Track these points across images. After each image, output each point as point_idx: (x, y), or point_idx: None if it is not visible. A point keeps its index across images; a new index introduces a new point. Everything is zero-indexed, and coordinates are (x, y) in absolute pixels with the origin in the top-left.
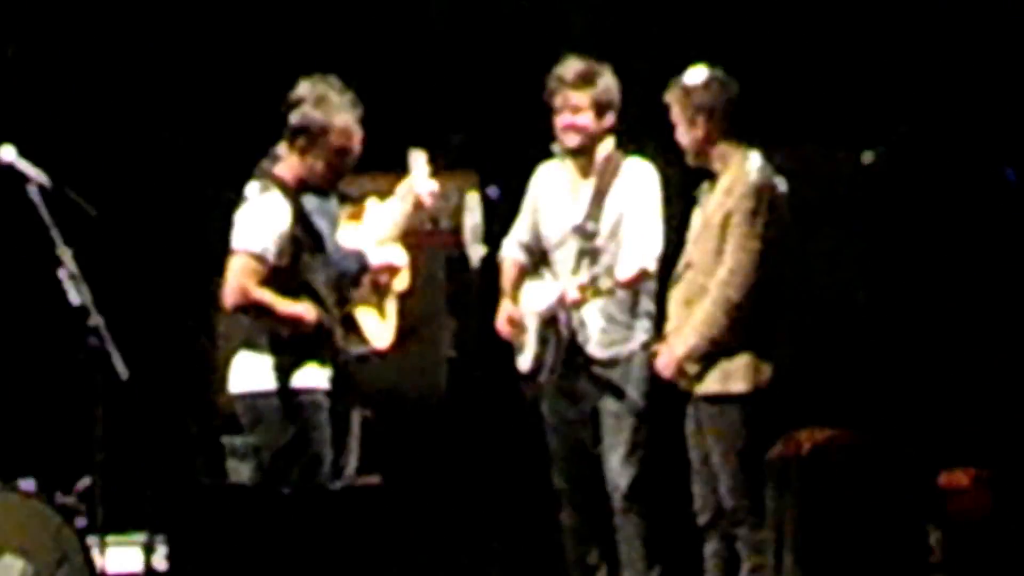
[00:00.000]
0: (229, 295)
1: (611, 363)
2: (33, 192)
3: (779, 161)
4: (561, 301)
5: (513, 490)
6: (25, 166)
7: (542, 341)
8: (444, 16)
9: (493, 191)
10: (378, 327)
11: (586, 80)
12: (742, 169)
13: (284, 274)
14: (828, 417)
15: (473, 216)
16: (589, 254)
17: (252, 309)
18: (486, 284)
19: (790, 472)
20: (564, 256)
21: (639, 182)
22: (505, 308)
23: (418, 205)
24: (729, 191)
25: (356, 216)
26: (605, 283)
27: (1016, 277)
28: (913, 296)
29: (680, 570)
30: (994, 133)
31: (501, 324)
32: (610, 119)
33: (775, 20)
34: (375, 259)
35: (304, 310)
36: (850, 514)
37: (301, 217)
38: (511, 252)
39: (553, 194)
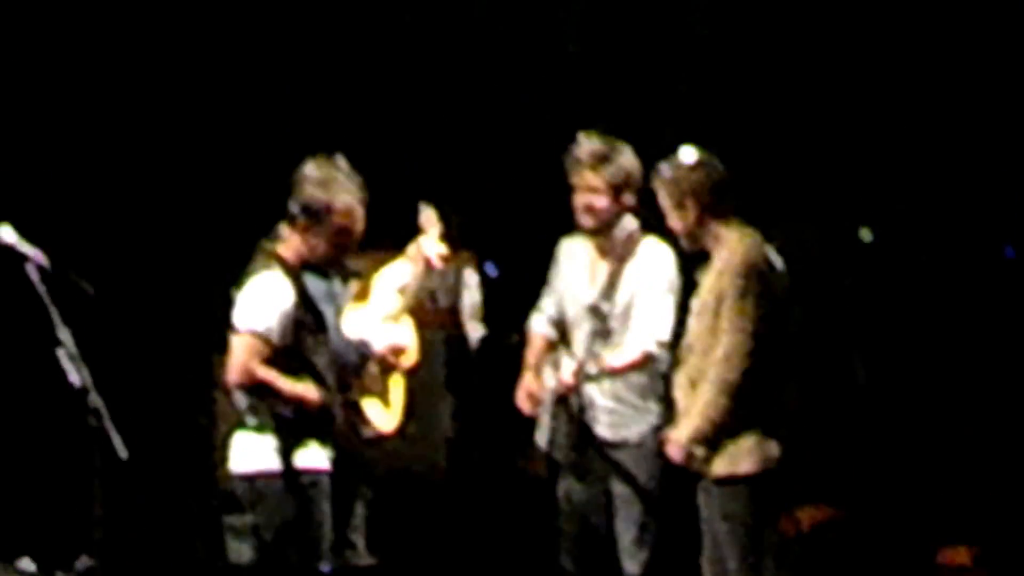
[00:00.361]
0: (233, 374)
1: (621, 445)
2: (32, 272)
3: (776, 240)
4: (562, 388)
5: (514, 570)
6: (23, 245)
7: (554, 418)
8: (443, 97)
9: (491, 269)
10: (382, 413)
11: (602, 160)
12: (733, 249)
13: (286, 354)
14: (827, 495)
15: (471, 295)
16: (601, 335)
17: (256, 388)
18: (485, 363)
19: (790, 551)
20: (580, 335)
21: (651, 264)
22: (525, 382)
23: (428, 266)
24: (721, 272)
25: (362, 296)
26: (591, 369)
27: (1015, 354)
28: (912, 374)
29: None
30: (993, 210)
31: (520, 398)
32: (629, 199)
33: (773, 96)
34: (380, 342)
35: (307, 390)
36: None
37: (303, 297)
38: (539, 327)
39: (572, 271)
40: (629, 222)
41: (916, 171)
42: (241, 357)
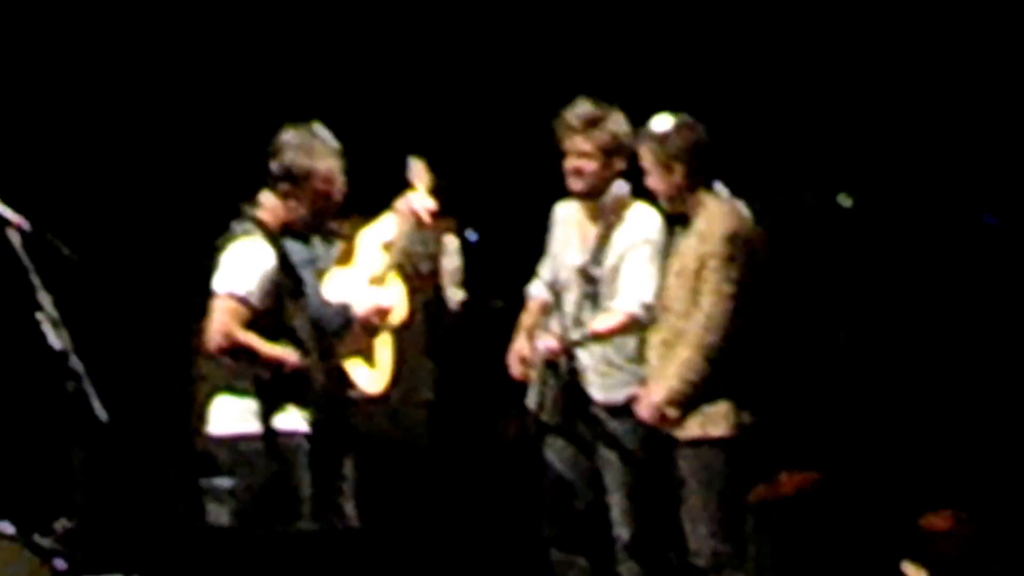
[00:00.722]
0: (213, 338)
1: (609, 409)
2: (13, 236)
3: (756, 205)
4: (549, 352)
5: (494, 535)
6: (4, 210)
7: (543, 381)
8: (422, 63)
9: (472, 235)
10: (368, 375)
11: (592, 125)
12: (715, 213)
13: (266, 318)
14: (809, 460)
15: (452, 260)
16: (591, 297)
17: (236, 352)
18: (465, 328)
19: (772, 515)
20: (570, 298)
21: (638, 227)
22: (516, 346)
23: (418, 223)
24: (704, 236)
25: (347, 257)
26: (575, 335)
27: (994, 320)
28: (894, 338)
29: None
30: (974, 177)
31: (511, 361)
32: (619, 163)
33: (752, 63)
34: (363, 304)
35: (286, 353)
36: (832, 557)
37: (284, 261)
38: (538, 291)
39: (564, 236)
40: (619, 187)
41: (896, 137)
42: (222, 320)
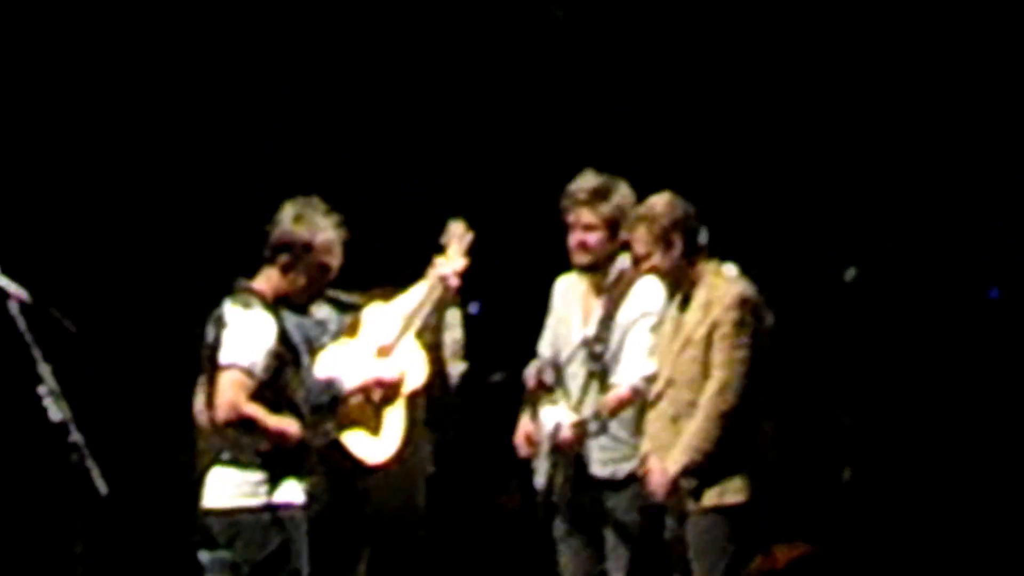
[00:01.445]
0: (221, 409)
1: (611, 483)
2: (13, 308)
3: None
4: (556, 437)
5: None
6: (4, 282)
7: (553, 462)
8: (424, 137)
9: (474, 307)
10: (370, 444)
11: (598, 197)
12: (719, 282)
13: (268, 389)
14: (804, 531)
15: (453, 332)
16: (598, 376)
17: (242, 424)
18: (466, 401)
19: None
20: (574, 376)
21: (642, 302)
22: (523, 425)
23: (445, 287)
24: (707, 305)
25: (351, 331)
26: (594, 427)
27: (997, 395)
28: (895, 412)
29: None
30: (978, 251)
31: (518, 441)
32: (625, 235)
33: (759, 136)
34: (358, 377)
35: (288, 424)
36: None
37: (284, 332)
38: (536, 371)
39: (566, 311)
40: (624, 260)
41: (901, 211)
42: (228, 393)
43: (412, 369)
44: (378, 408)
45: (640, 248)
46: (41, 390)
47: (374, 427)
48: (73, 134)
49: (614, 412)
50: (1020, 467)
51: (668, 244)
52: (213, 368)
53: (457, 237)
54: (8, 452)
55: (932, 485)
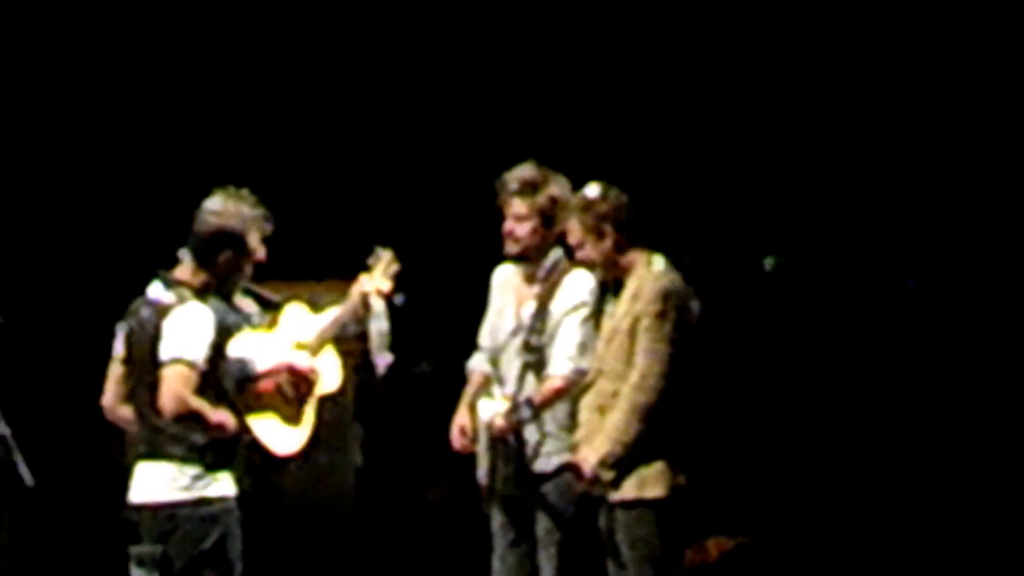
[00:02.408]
0: (168, 404)
1: (544, 476)
2: None
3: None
4: (490, 428)
5: None
6: None
7: (493, 455)
8: (356, 126)
9: (399, 298)
10: (278, 432)
11: (530, 188)
12: (647, 273)
13: (206, 381)
14: (735, 524)
15: (379, 323)
16: (534, 367)
17: (189, 418)
18: (392, 391)
19: None
20: (509, 365)
21: (572, 295)
22: (458, 419)
23: (366, 305)
24: (635, 296)
25: (271, 325)
26: (525, 413)
27: (916, 382)
28: (816, 401)
29: None
30: (895, 240)
31: (453, 435)
32: (557, 228)
33: (679, 125)
34: (272, 361)
35: (228, 418)
36: None
37: (220, 323)
38: (478, 364)
39: (502, 300)
40: (558, 251)
41: (819, 199)
42: (174, 387)
43: (327, 373)
44: (289, 402)
45: (573, 238)
46: None
47: (285, 418)
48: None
49: (546, 403)
50: (943, 452)
51: (600, 234)
52: (152, 361)
53: (384, 263)
54: None
55: (858, 473)
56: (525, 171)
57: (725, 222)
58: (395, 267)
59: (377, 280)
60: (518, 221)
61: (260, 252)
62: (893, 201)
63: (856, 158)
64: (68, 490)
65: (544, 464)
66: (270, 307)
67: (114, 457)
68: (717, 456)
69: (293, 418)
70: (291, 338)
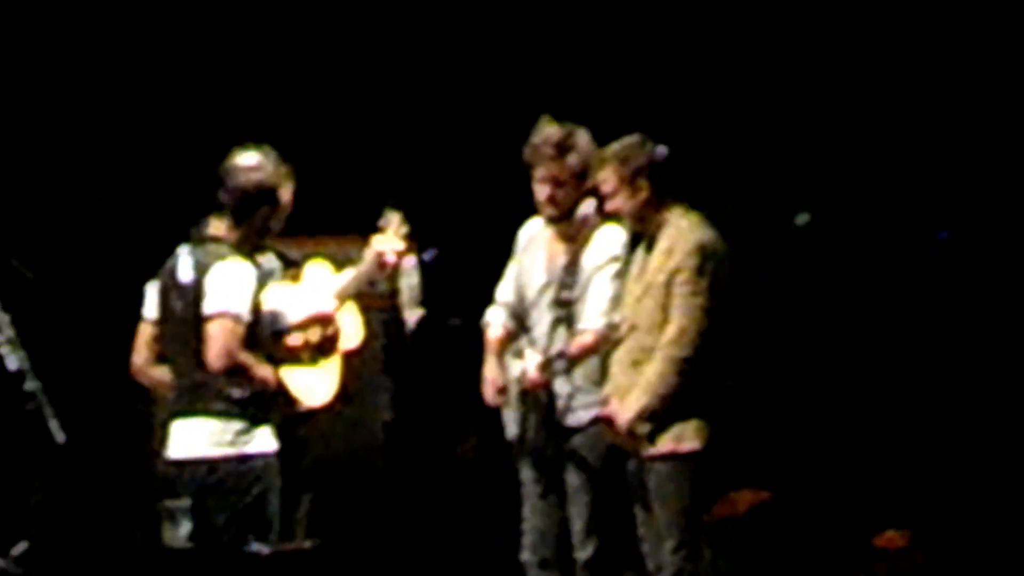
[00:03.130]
0: (217, 359)
1: (575, 431)
2: None
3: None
4: (521, 381)
5: (448, 552)
6: None
7: (524, 410)
8: (382, 80)
9: (429, 254)
10: (310, 383)
11: (565, 150)
12: (682, 228)
13: (249, 335)
14: (763, 477)
15: (410, 279)
16: (564, 321)
17: (236, 372)
18: (423, 347)
19: (726, 534)
20: (538, 321)
21: (603, 249)
22: (489, 374)
23: (381, 264)
24: (670, 251)
25: (295, 278)
26: (559, 366)
27: (949, 337)
28: (847, 356)
29: None
30: (928, 194)
31: (486, 390)
32: (589, 183)
33: (712, 80)
34: (299, 313)
35: (270, 372)
36: (786, 574)
37: (260, 276)
38: (496, 318)
39: (531, 256)
40: (588, 206)
41: (853, 154)
42: (223, 341)
43: (348, 330)
44: (315, 357)
45: (606, 187)
46: None
47: (313, 370)
48: (27, 87)
49: (579, 358)
50: (976, 408)
51: (635, 187)
52: (195, 318)
53: (395, 225)
54: None
55: (888, 429)
56: (553, 133)
57: (758, 177)
58: (404, 228)
59: (390, 240)
60: (556, 186)
61: (286, 208)
62: (927, 155)
63: (890, 112)
64: (99, 446)
65: (575, 418)
66: (291, 265)
67: (142, 415)
68: (746, 410)
69: (321, 370)
70: (315, 290)
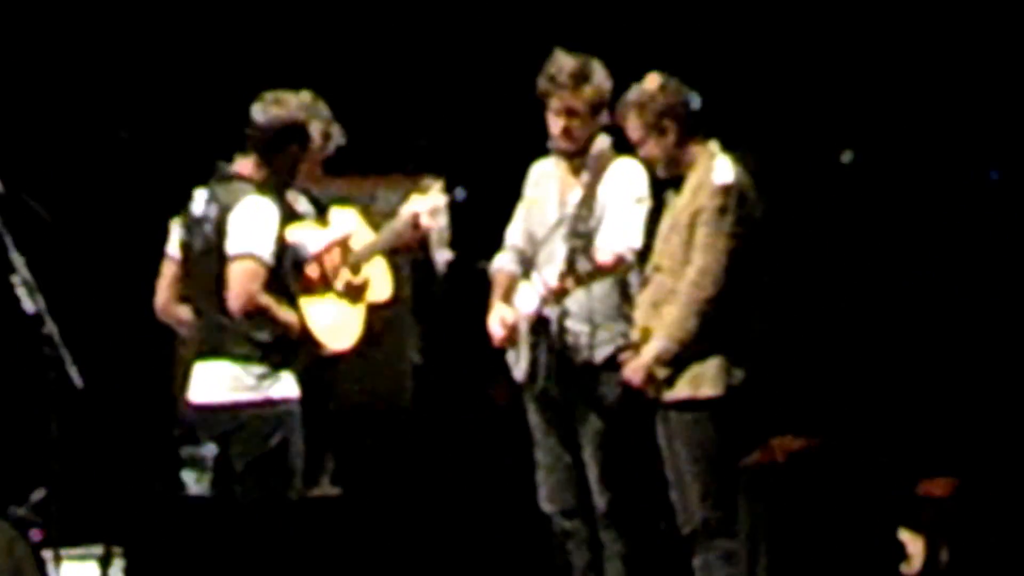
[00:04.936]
0: (238, 301)
1: (591, 369)
2: None
3: (755, 162)
4: (546, 293)
5: (479, 499)
6: None
7: (533, 347)
8: (409, 20)
9: (459, 194)
10: (335, 327)
11: (580, 80)
12: (709, 167)
13: (273, 276)
14: (804, 424)
15: (439, 220)
16: (582, 251)
17: (257, 314)
18: (452, 289)
19: (765, 481)
20: (552, 259)
21: (623, 180)
22: (499, 314)
23: (415, 225)
24: (696, 190)
25: (323, 222)
26: (584, 266)
27: (997, 280)
28: (892, 299)
29: None
30: (978, 133)
31: (494, 328)
32: (604, 117)
33: (753, 18)
34: (322, 242)
35: (293, 316)
36: (826, 523)
37: (284, 216)
38: (505, 263)
39: (543, 194)
40: (603, 141)
41: (900, 92)
42: (244, 283)
43: (378, 282)
44: (338, 292)
45: (633, 134)
46: (14, 280)
47: (338, 303)
48: (45, 23)
49: (596, 275)
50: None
51: (661, 131)
52: (218, 257)
53: (434, 190)
54: None
55: (933, 372)
56: (567, 62)
57: (803, 115)
58: (443, 198)
59: (428, 202)
60: (571, 117)
61: (317, 143)
62: (976, 93)
63: (938, 49)
64: (117, 391)
65: (591, 355)
66: (323, 211)
67: (166, 357)
68: (786, 354)
69: (346, 315)
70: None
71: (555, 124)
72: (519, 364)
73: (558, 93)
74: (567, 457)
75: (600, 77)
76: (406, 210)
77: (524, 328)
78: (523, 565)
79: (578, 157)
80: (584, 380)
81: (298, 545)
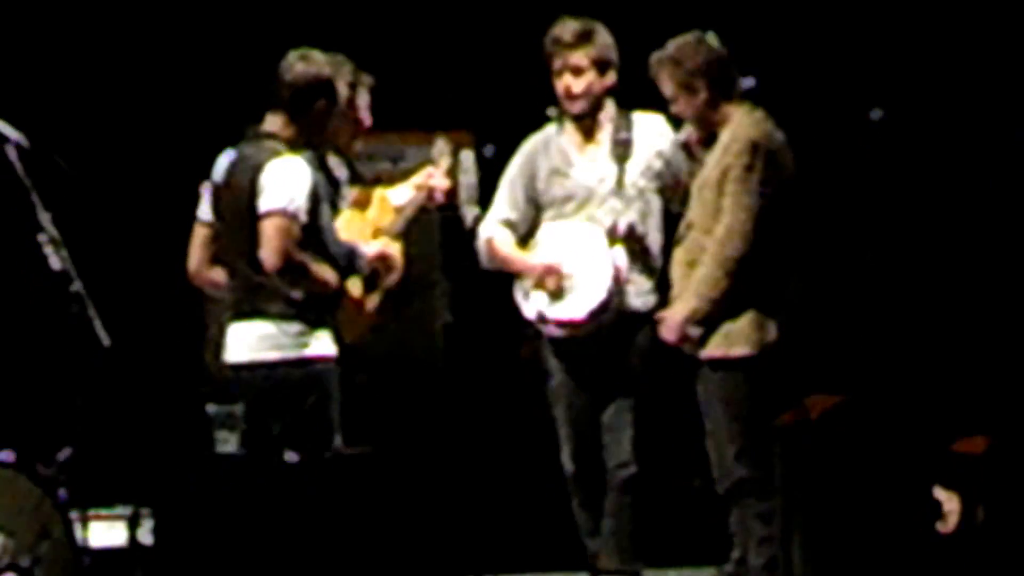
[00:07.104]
0: (272, 257)
1: (632, 316)
2: (11, 153)
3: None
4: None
5: (509, 457)
6: (3, 126)
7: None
8: None
9: (489, 150)
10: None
11: (585, 39)
12: (741, 124)
13: (307, 235)
14: (837, 383)
15: (468, 176)
16: (624, 211)
17: (292, 271)
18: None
19: (800, 439)
20: (595, 217)
21: (658, 131)
22: (540, 260)
23: (430, 197)
24: (727, 148)
25: (362, 204)
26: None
27: None
28: (925, 256)
29: (704, 542)
30: (1009, 92)
31: (541, 275)
32: (611, 77)
33: None
34: (373, 249)
35: (329, 273)
36: (861, 483)
37: (316, 174)
38: (494, 232)
39: (559, 162)
40: (609, 107)
41: (929, 49)
42: (277, 239)
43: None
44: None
45: (666, 91)
46: (41, 238)
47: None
48: None
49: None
50: None
51: (692, 90)
52: (251, 216)
53: (442, 156)
54: (6, 301)
55: (966, 331)
56: (573, 24)
57: (834, 73)
58: (449, 160)
59: (439, 179)
60: (579, 74)
61: (345, 102)
62: (1007, 51)
63: (967, 5)
64: (145, 349)
65: (627, 304)
66: (358, 179)
67: (195, 316)
68: (819, 313)
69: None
70: (378, 223)
71: (561, 85)
72: (526, 306)
73: (561, 53)
74: (593, 417)
75: (603, 37)
76: (419, 190)
77: (578, 264)
78: (548, 519)
79: (588, 118)
80: (626, 329)
81: (326, 503)
